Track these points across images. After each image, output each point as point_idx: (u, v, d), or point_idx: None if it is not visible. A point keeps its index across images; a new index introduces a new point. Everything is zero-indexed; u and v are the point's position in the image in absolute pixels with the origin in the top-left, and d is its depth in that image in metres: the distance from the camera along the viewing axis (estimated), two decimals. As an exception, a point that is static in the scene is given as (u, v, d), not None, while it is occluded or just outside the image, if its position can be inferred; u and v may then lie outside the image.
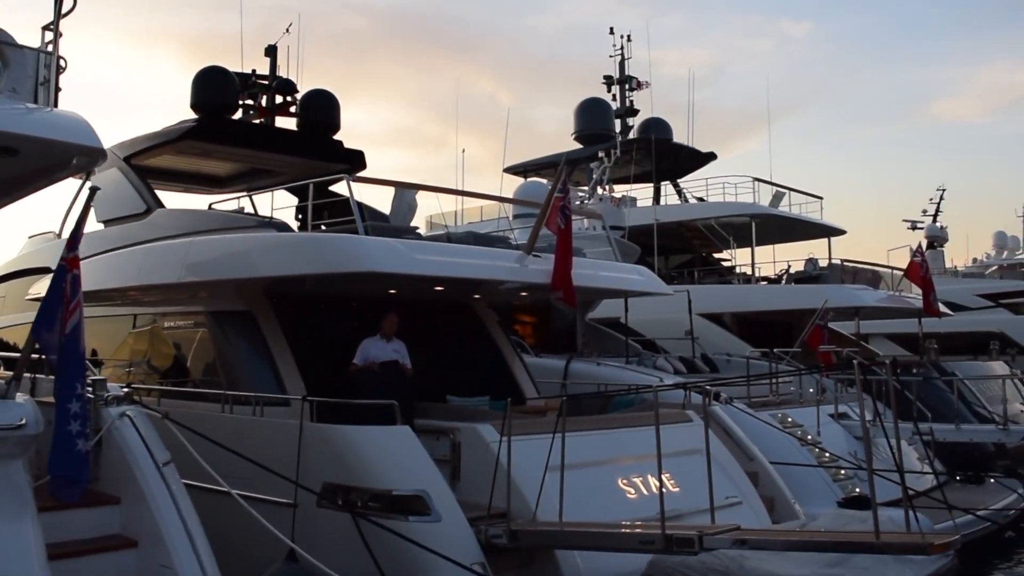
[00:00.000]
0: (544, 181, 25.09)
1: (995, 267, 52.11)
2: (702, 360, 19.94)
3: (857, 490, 15.18)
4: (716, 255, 27.76)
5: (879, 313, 24.96)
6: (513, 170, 29.97)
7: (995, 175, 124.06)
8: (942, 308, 25.28)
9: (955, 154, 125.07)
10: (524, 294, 13.47)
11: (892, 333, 37.57)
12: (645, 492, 10.45)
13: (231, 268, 11.35)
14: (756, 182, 25.50)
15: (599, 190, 27.02)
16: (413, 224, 13.36)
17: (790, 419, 16.21)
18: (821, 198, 26.92)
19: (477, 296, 13.68)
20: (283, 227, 11.88)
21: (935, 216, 51.26)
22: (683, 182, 30.56)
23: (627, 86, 30.39)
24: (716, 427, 12.86)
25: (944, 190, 51.69)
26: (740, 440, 12.87)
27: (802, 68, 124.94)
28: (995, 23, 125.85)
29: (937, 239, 49.29)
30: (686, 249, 27.90)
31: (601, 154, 24.14)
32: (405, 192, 14.91)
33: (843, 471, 15.45)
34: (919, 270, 23.00)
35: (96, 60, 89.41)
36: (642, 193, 30.50)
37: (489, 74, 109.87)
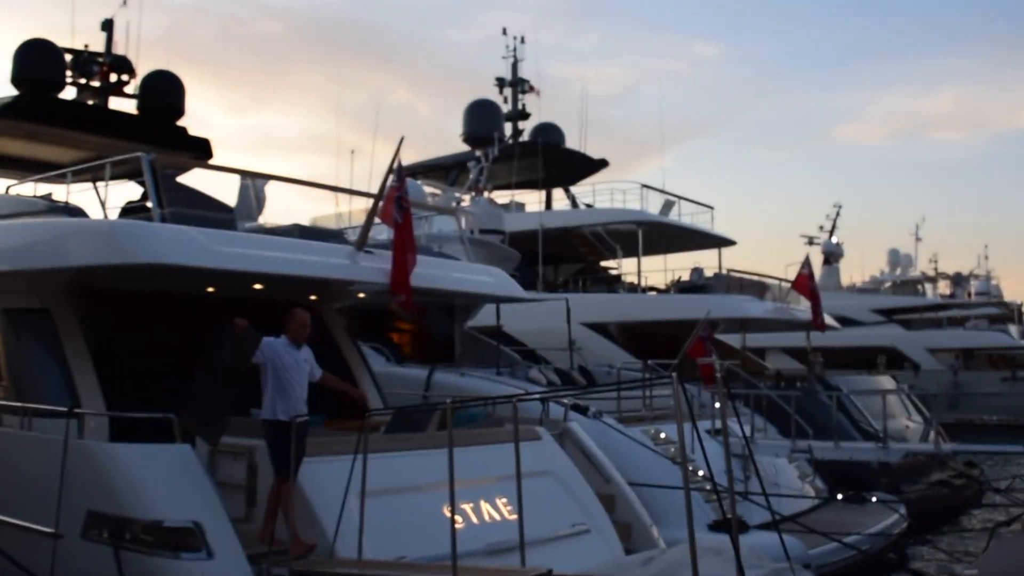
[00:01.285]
0: (419, 183, 23.83)
1: (889, 283, 52.68)
2: (580, 372, 18.85)
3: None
4: (605, 264, 26.79)
5: (765, 325, 24.25)
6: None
7: (893, 197, 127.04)
8: (831, 322, 24.70)
9: (856, 176, 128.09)
10: (362, 295, 12.17)
11: (789, 347, 37.31)
12: (476, 521, 9.22)
13: (3, 258, 9.86)
14: (645, 189, 24.62)
15: (487, 192, 25.88)
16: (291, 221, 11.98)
17: (663, 435, 15.21)
18: (712, 208, 26.24)
19: (314, 297, 12.32)
20: (76, 213, 10.40)
21: (831, 232, 51.60)
22: (576, 190, 29.65)
23: (519, 89, 29.34)
24: (571, 446, 11.74)
25: (840, 207, 52.13)
26: (597, 460, 11.73)
27: (713, 89, 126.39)
28: (895, 52, 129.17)
29: (833, 254, 49.64)
30: (577, 258, 26.91)
31: (479, 153, 23.00)
32: (253, 183, 13.63)
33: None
34: (807, 282, 22.38)
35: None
36: (535, 199, 29.50)
37: (408, 84, 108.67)
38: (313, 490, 8.15)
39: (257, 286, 10.49)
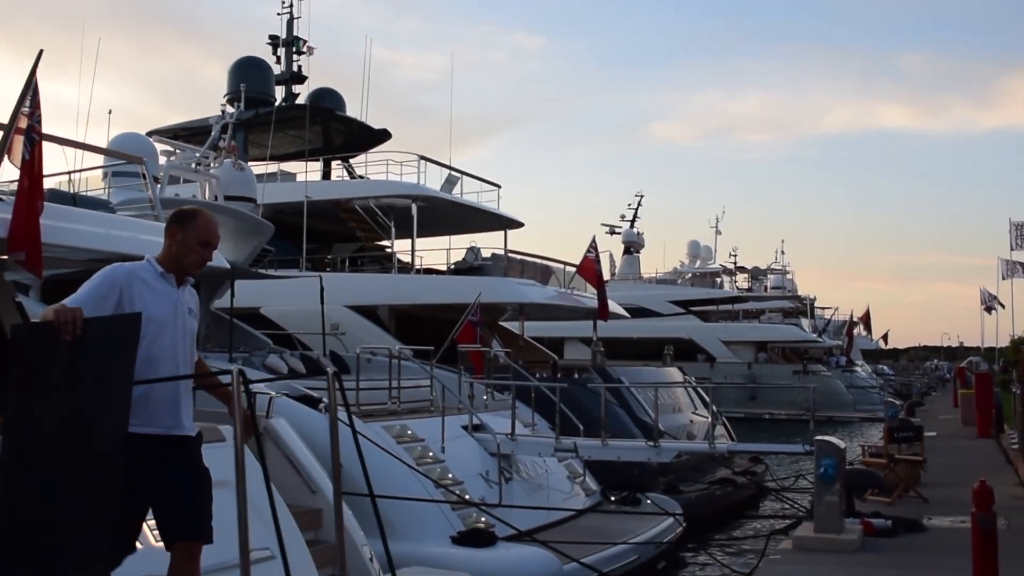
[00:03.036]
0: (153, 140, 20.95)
1: (689, 275, 52.83)
2: (331, 359, 16.70)
3: (483, 520, 12.44)
4: (380, 243, 24.62)
5: (547, 312, 22.70)
6: (160, 133, 25.64)
7: (701, 194, 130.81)
8: (618, 309, 23.43)
9: (667, 173, 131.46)
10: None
11: (588, 337, 36.27)
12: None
13: None
14: (424, 162, 22.56)
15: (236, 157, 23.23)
16: None
17: (410, 432, 13.25)
18: (499, 187, 24.44)
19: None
20: None
21: (632, 221, 51.12)
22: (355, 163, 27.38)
23: (293, 48, 26.78)
24: (272, 448, 9.56)
25: (642, 196, 51.75)
26: (302, 466, 9.58)
27: (533, 81, 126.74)
28: (707, 54, 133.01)
29: (634, 244, 49.24)
30: (352, 236, 24.67)
31: (228, 111, 20.42)
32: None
33: (468, 496, 12.74)
34: (593, 266, 20.97)
35: None
36: (313, 172, 27.08)
37: (217, 59, 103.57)
38: None
39: None
